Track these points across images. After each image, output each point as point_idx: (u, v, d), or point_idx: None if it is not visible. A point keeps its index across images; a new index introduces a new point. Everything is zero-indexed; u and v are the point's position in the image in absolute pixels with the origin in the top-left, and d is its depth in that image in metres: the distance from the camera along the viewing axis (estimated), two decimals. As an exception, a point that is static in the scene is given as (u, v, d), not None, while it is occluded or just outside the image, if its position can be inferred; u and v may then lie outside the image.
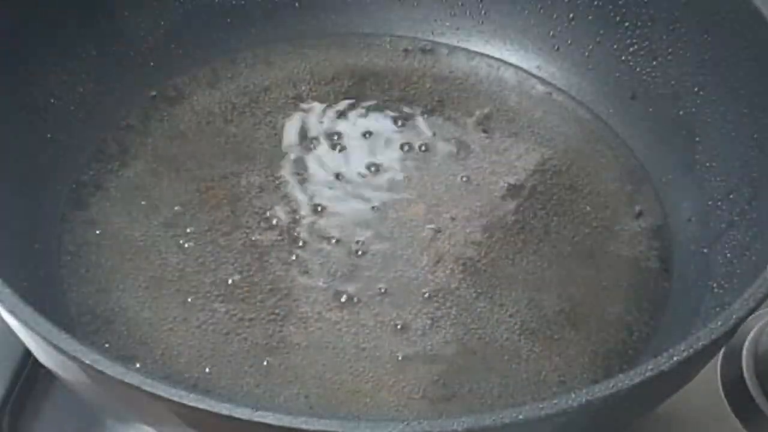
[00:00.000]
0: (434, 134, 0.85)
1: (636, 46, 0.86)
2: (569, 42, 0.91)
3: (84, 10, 0.81)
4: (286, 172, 0.81)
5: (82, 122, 0.80)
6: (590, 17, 0.89)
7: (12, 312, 0.51)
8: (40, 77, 0.77)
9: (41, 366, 0.58)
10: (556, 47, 0.92)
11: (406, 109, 0.88)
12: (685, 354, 0.50)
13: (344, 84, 0.90)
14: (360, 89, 0.89)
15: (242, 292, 0.71)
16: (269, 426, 0.45)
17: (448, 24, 0.95)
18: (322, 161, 0.83)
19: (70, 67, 0.80)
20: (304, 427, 0.45)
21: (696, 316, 0.67)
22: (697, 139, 0.80)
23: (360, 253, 0.74)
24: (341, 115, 0.87)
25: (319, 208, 0.78)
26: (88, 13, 0.82)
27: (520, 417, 0.46)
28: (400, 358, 0.67)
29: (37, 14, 0.76)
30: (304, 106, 0.87)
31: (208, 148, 0.83)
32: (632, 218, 0.79)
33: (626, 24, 0.86)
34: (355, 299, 0.71)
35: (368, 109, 0.87)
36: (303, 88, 0.89)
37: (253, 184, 0.80)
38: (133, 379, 0.47)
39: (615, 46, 0.88)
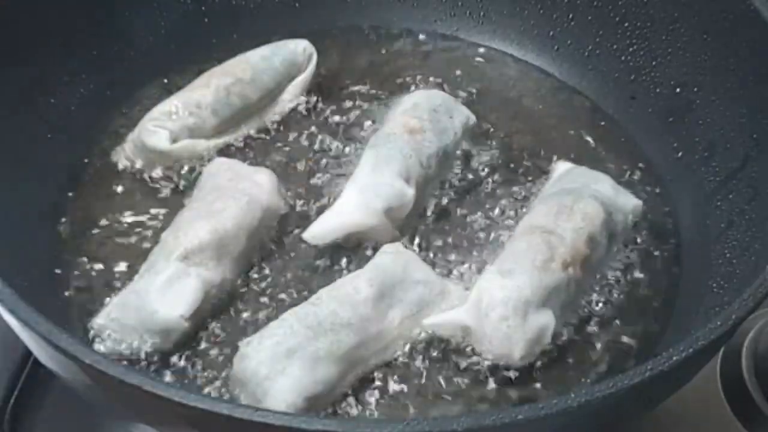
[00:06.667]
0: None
1: (636, 46, 0.86)
2: (569, 42, 0.91)
3: (84, 10, 0.81)
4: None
5: (81, 122, 0.80)
6: (590, 17, 0.89)
7: (12, 312, 0.51)
8: (40, 77, 0.77)
9: (41, 366, 0.58)
10: (556, 47, 0.92)
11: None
12: (685, 354, 0.50)
13: (345, 80, 0.90)
14: (361, 84, 0.89)
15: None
16: (269, 426, 0.45)
17: (447, 24, 0.95)
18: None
19: (70, 67, 0.80)
20: (303, 426, 0.45)
21: (696, 316, 0.67)
22: (697, 139, 0.80)
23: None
24: (340, 108, 0.87)
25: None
26: (88, 13, 0.82)
27: (520, 417, 0.46)
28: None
29: (38, 15, 0.76)
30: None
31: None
32: (633, 218, 0.79)
33: (626, 24, 0.86)
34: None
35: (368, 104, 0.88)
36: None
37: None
38: (133, 379, 0.47)
39: (615, 46, 0.88)
